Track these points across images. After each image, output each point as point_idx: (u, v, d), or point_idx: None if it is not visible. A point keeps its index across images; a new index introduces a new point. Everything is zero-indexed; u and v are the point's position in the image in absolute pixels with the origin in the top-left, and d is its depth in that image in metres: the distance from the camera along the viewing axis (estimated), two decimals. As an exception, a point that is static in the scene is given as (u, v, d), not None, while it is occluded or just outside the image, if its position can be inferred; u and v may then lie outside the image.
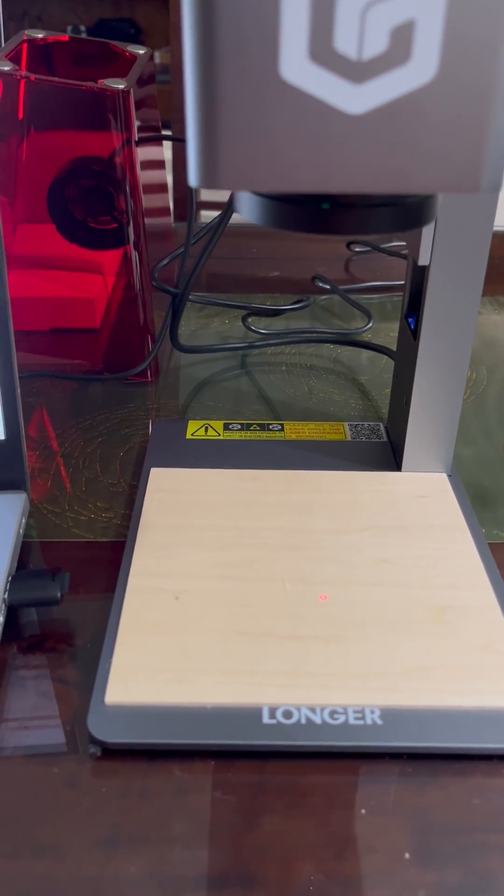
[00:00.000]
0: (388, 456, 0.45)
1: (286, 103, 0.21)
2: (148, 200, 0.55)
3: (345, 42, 0.20)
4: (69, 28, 3.42)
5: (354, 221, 0.25)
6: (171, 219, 0.70)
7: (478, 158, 0.21)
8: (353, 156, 0.21)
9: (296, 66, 0.20)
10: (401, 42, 0.20)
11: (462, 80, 0.20)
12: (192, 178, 0.22)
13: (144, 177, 0.53)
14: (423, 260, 0.37)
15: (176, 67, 1.26)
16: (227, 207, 0.50)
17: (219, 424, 0.48)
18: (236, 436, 0.47)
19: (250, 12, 0.20)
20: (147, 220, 0.53)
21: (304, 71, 0.20)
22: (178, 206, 1.35)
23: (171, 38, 1.24)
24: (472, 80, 0.20)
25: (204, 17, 0.20)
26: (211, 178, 0.22)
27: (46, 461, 0.46)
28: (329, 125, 0.21)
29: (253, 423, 0.49)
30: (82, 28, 3.42)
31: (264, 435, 0.47)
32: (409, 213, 0.25)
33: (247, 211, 0.26)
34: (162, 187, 0.62)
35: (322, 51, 0.20)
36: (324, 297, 0.68)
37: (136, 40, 3.42)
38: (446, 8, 0.20)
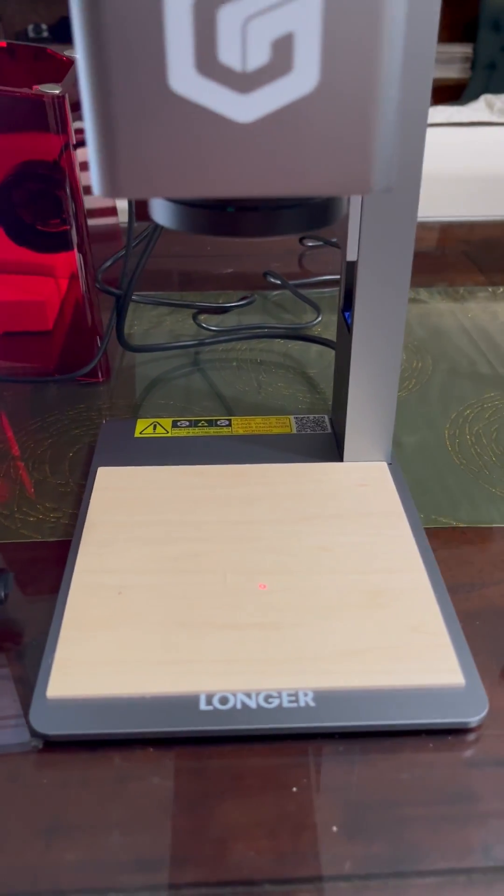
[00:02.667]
0: (332, 447, 0.46)
1: (178, 114, 0.22)
2: (93, 201, 0.55)
3: (228, 54, 0.21)
4: (31, 27, 3.39)
5: (260, 223, 0.26)
6: (118, 218, 0.70)
7: (365, 161, 0.22)
8: (245, 162, 0.22)
9: (184, 77, 0.21)
10: (282, 53, 0.21)
11: (344, 87, 0.21)
12: (96, 188, 0.23)
13: (87, 178, 0.53)
14: (350, 255, 0.38)
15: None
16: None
17: (167, 422, 0.49)
18: (184, 433, 0.48)
19: (137, 28, 0.21)
20: (92, 222, 0.54)
21: (192, 82, 0.21)
22: (140, 206, 1.35)
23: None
24: (353, 88, 0.21)
25: (94, 35, 0.21)
26: (112, 187, 0.23)
27: (-3, 464, 0.47)
28: (220, 133, 0.22)
29: (201, 420, 0.50)
30: (44, 27, 3.40)
31: (212, 431, 0.48)
32: (314, 213, 0.26)
33: (160, 216, 0.27)
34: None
35: (208, 63, 0.21)
36: (275, 292, 0.69)
37: (98, 37, 3.39)
38: (322, 20, 0.20)
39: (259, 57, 0.21)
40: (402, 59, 0.21)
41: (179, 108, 0.22)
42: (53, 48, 0.55)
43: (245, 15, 0.20)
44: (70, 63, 0.53)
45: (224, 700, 0.31)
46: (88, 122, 0.22)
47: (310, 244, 0.79)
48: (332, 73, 0.21)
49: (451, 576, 0.38)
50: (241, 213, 0.26)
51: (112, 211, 0.63)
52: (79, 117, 0.50)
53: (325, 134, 0.22)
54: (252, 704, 0.31)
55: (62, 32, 3.40)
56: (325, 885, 0.26)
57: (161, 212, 0.27)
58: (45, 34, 3.42)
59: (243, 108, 0.22)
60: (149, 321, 0.65)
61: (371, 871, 0.26)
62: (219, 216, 0.26)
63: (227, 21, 0.20)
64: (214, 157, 0.22)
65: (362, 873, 0.26)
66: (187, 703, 0.31)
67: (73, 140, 0.48)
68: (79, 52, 0.21)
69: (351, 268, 0.41)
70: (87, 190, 0.53)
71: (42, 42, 3.32)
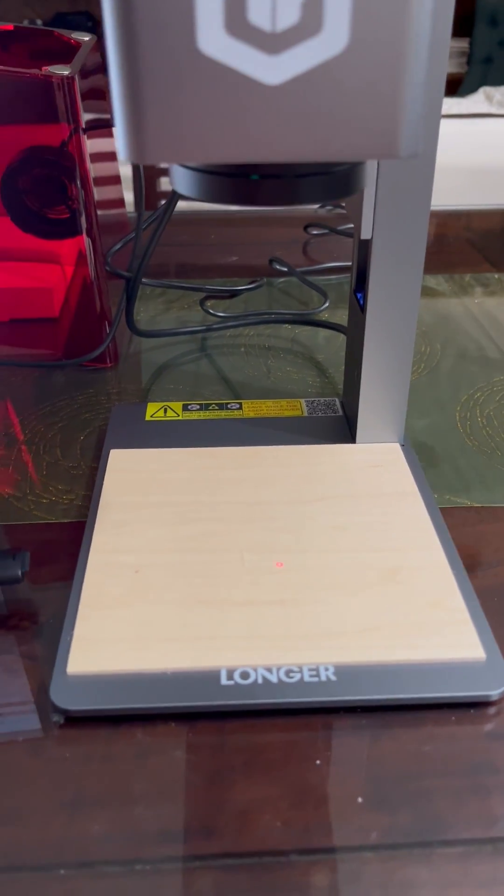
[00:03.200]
0: (344, 429, 0.46)
1: (206, 76, 0.21)
2: (101, 192, 0.55)
3: (258, 14, 0.21)
4: (25, 22, 3.38)
5: (284, 191, 0.26)
6: (126, 209, 0.70)
7: (394, 125, 0.22)
8: (273, 126, 0.22)
9: (212, 38, 0.21)
10: (312, 13, 0.21)
11: (373, 49, 0.21)
12: (121, 153, 0.23)
13: (97, 168, 0.53)
14: (365, 233, 0.38)
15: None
16: (174, 192, 0.50)
17: (178, 405, 0.49)
18: (195, 416, 0.48)
19: (166, -12, 0.20)
20: (101, 212, 0.54)
21: (220, 43, 0.21)
22: (149, 194, 1.35)
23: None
24: (383, 49, 0.21)
25: (122, -5, 0.21)
26: (139, 152, 0.23)
27: (6, 448, 0.47)
28: (248, 96, 0.22)
29: (212, 403, 0.49)
30: (39, 22, 3.39)
31: (223, 414, 0.48)
32: (337, 181, 0.26)
33: (181, 186, 0.27)
34: (115, 179, 0.63)
35: (237, 23, 0.21)
36: (281, 279, 0.69)
37: (93, 33, 3.40)
38: (353, -21, 0.20)
39: (289, 17, 0.21)
40: (431, 22, 0.21)
41: (207, 70, 0.21)
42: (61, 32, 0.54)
43: (276, -26, 0.20)
44: (78, 46, 0.52)
45: (245, 675, 0.31)
46: (115, 85, 0.22)
47: (314, 232, 0.79)
48: (362, 34, 0.21)
49: (468, 554, 0.38)
50: (265, 181, 0.25)
51: (120, 203, 0.63)
52: (92, 107, 0.50)
53: (354, 96, 0.22)
54: (273, 679, 0.30)
55: (56, 27, 3.39)
56: (351, 854, 0.26)
57: (182, 180, 0.27)
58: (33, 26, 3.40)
59: (272, 70, 0.21)
60: (155, 308, 0.65)
61: (397, 841, 0.26)
62: (242, 184, 0.26)
63: (258, -20, 0.20)
64: (242, 121, 0.22)
65: (388, 843, 0.26)
66: (208, 678, 0.31)
67: (82, 124, 0.48)
68: (106, 13, 0.21)
69: (364, 246, 0.41)
70: (97, 181, 0.53)
71: (38, 38, 3.30)
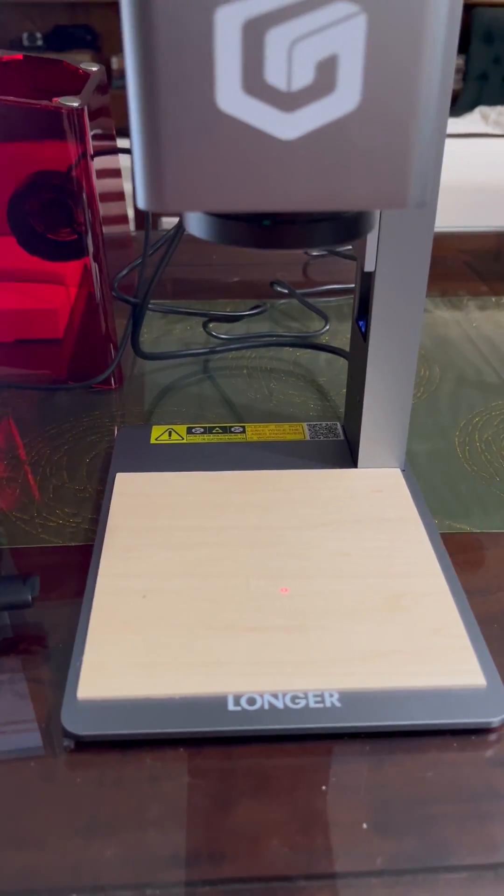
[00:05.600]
0: (345, 453, 0.47)
1: (224, 131, 0.22)
2: (105, 209, 0.56)
3: (275, 75, 0.22)
4: (25, 35, 3.40)
5: (295, 236, 0.27)
6: (131, 226, 0.71)
7: (403, 177, 0.23)
8: (288, 178, 0.23)
9: (231, 97, 0.22)
10: (326, 74, 0.22)
11: (384, 106, 0.22)
12: (140, 201, 0.24)
13: (101, 186, 0.54)
14: (368, 266, 0.39)
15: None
16: (181, 222, 0.51)
17: (182, 429, 0.50)
18: (199, 439, 0.49)
19: (188, 50, 0.21)
20: (106, 229, 0.55)
21: (238, 102, 0.22)
22: (137, 213, 1.36)
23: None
24: (393, 107, 0.22)
25: (145, 57, 0.22)
26: (157, 201, 0.24)
27: (13, 470, 0.47)
28: (264, 150, 0.23)
29: (215, 427, 0.50)
30: (38, 35, 3.41)
31: (226, 437, 0.49)
32: (346, 226, 0.27)
33: (195, 228, 0.28)
34: (119, 195, 0.64)
35: (254, 83, 0.22)
36: (283, 301, 0.70)
37: (93, 46, 3.42)
38: (365, 43, 0.21)
39: (304, 77, 0.22)
40: (441, 79, 0.22)
41: (225, 126, 0.22)
42: (68, 59, 0.55)
43: (292, 37, 0.21)
44: (86, 76, 0.53)
45: (251, 701, 0.31)
46: (136, 137, 0.23)
47: (314, 254, 0.80)
48: (374, 93, 0.22)
49: (467, 580, 0.39)
50: (277, 226, 0.26)
51: (123, 219, 0.64)
52: (96, 126, 0.51)
53: (366, 151, 0.23)
54: (279, 705, 0.31)
55: (56, 41, 3.41)
56: (357, 880, 0.26)
57: (195, 223, 0.28)
58: (40, 42, 3.43)
59: (287, 126, 0.22)
60: (158, 329, 0.65)
61: (402, 867, 0.27)
62: (255, 229, 0.27)
63: (275, 43, 0.21)
64: (258, 173, 0.23)
65: (393, 869, 0.27)
66: (216, 703, 0.31)
67: (91, 150, 0.49)
68: (129, 71, 0.22)
69: (367, 278, 0.42)
70: (101, 198, 0.54)
71: (36, 50, 3.34)
